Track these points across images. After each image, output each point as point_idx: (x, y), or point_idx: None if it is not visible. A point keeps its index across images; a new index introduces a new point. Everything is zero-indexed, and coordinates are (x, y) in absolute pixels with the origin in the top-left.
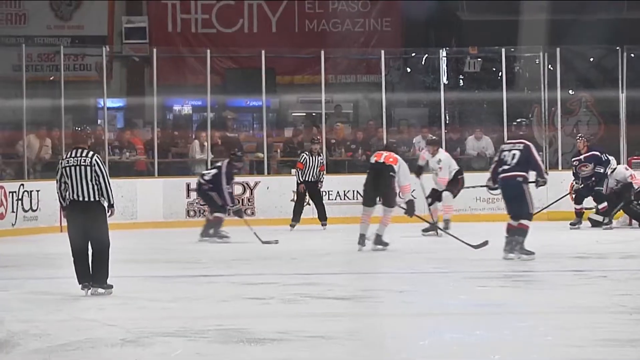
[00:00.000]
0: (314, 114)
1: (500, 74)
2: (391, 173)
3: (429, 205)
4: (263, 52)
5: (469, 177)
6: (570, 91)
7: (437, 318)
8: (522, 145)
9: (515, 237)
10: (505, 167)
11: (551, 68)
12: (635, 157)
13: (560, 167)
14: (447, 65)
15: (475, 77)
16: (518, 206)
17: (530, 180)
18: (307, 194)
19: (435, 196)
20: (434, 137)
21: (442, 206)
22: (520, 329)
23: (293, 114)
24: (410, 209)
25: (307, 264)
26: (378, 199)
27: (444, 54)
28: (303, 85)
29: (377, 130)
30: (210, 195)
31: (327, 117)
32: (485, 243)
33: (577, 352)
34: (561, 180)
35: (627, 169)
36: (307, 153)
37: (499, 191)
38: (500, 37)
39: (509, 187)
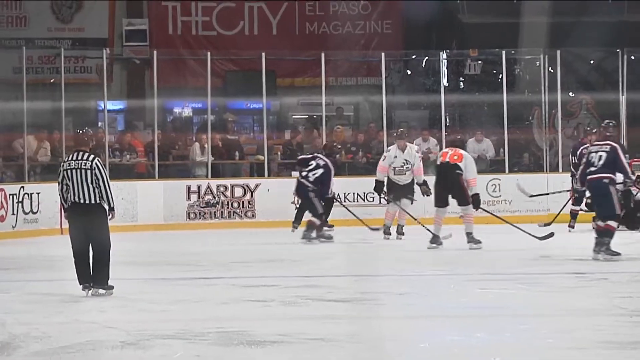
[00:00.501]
0: (314, 117)
1: (500, 76)
2: (458, 171)
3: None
4: (263, 54)
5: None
6: (570, 93)
7: (437, 320)
8: (608, 147)
9: (604, 238)
10: (593, 168)
11: (551, 70)
12: (636, 159)
13: (560, 170)
14: (447, 68)
15: (476, 80)
16: (605, 207)
17: (618, 181)
18: None
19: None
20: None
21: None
22: (521, 331)
23: (293, 117)
24: (475, 202)
25: (308, 266)
26: (449, 198)
27: (445, 56)
28: (303, 87)
29: (377, 133)
30: (311, 199)
31: (327, 120)
32: (551, 234)
33: (578, 354)
34: (562, 182)
35: None
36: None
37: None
38: (500, 39)
39: (596, 188)
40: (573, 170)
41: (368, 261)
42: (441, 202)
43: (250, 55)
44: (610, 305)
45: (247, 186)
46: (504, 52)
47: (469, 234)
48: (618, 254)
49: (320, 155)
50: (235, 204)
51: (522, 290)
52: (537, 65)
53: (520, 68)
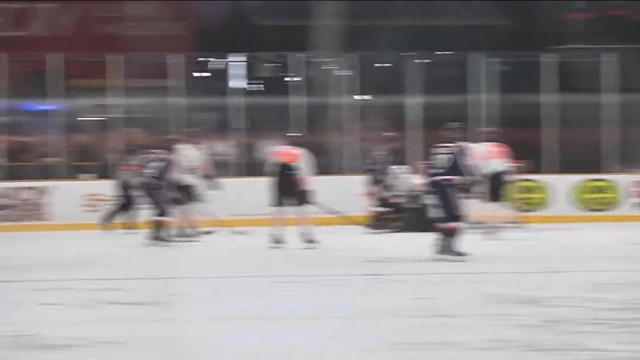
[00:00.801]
0: (107, 119)
1: (294, 78)
2: (293, 171)
3: None
4: (55, 55)
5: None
6: (363, 96)
7: (247, 323)
8: (451, 149)
9: (448, 239)
10: (436, 170)
11: (346, 73)
12: (423, 162)
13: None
14: (240, 71)
15: (270, 82)
16: (446, 208)
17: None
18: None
19: None
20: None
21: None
22: (321, 333)
23: (85, 118)
24: (307, 198)
25: (106, 269)
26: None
27: (238, 59)
28: (96, 89)
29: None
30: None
31: (120, 122)
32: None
33: (374, 356)
34: (352, 184)
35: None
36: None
37: None
38: (295, 42)
39: (437, 189)
40: (371, 174)
41: (170, 263)
42: (278, 202)
43: (41, 56)
44: (407, 306)
45: (37, 188)
46: (298, 55)
47: (304, 234)
48: (463, 254)
49: (156, 151)
50: (27, 207)
51: (323, 292)
52: (331, 68)
53: (315, 71)
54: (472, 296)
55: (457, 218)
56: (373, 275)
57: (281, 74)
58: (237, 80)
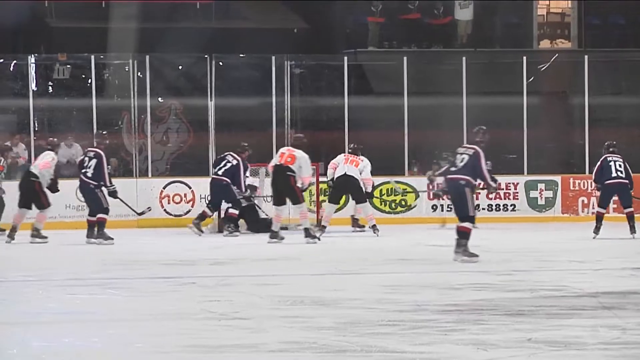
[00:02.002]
0: None
1: (90, 81)
2: (289, 173)
3: None
4: None
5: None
6: (159, 99)
7: (25, 327)
8: (472, 151)
9: (461, 240)
10: (453, 169)
11: (140, 75)
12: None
13: (150, 175)
14: (36, 72)
15: (65, 84)
16: (460, 209)
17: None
18: None
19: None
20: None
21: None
22: (109, 336)
23: None
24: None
25: None
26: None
27: (33, 60)
28: None
29: None
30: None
31: None
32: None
33: (163, 358)
34: (151, 188)
35: None
36: None
37: None
38: (90, 44)
39: (452, 188)
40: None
41: None
42: (278, 202)
43: None
44: (198, 309)
45: None
46: (92, 57)
47: (306, 229)
48: (476, 255)
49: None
50: None
51: (111, 295)
52: (126, 70)
53: (110, 73)
54: (264, 298)
55: (471, 219)
56: (163, 278)
57: (77, 76)
58: (30, 81)
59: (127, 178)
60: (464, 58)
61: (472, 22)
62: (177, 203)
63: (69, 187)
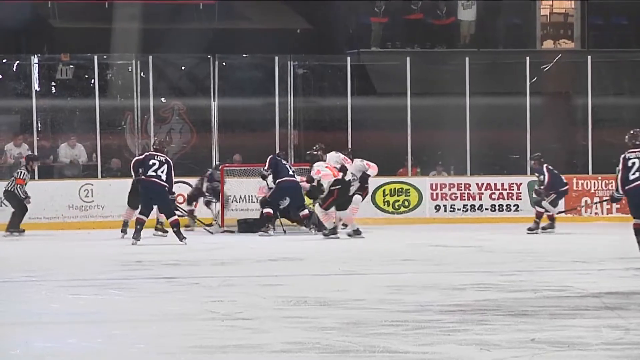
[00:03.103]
0: None
1: (92, 81)
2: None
3: None
4: None
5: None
6: (162, 99)
7: (28, 327)
8: None
9: None
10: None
11: (143, 76)
12: (227, 164)
13: None
14: (39, 72)
15: (68, 84)
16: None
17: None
18: None
19: None
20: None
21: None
22: (112, 337)
23: None
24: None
25: None
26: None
27: (36, 60)
28: None
29: None
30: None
31: None
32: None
33: (166, 358)
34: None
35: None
36: None
37: None
38: (93, 44)
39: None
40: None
41: None
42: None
43: None
44: (201, 309)
45: None
46: (95, 57)
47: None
48: None
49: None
50: None
51: (114, 295)
52: (129, 70)
53: (113, 73)
54: (267, 299)
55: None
56: (166, 278)
57: (80, 76)
58: (33, 82)
59: (130, 178)
60: (467, 58)
61: (475, 23)
62: (180, 203)
63: (70, 187)
